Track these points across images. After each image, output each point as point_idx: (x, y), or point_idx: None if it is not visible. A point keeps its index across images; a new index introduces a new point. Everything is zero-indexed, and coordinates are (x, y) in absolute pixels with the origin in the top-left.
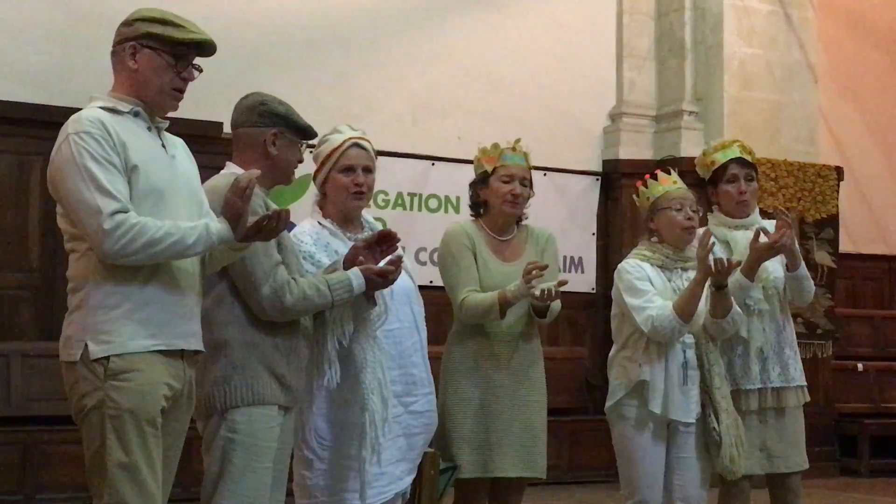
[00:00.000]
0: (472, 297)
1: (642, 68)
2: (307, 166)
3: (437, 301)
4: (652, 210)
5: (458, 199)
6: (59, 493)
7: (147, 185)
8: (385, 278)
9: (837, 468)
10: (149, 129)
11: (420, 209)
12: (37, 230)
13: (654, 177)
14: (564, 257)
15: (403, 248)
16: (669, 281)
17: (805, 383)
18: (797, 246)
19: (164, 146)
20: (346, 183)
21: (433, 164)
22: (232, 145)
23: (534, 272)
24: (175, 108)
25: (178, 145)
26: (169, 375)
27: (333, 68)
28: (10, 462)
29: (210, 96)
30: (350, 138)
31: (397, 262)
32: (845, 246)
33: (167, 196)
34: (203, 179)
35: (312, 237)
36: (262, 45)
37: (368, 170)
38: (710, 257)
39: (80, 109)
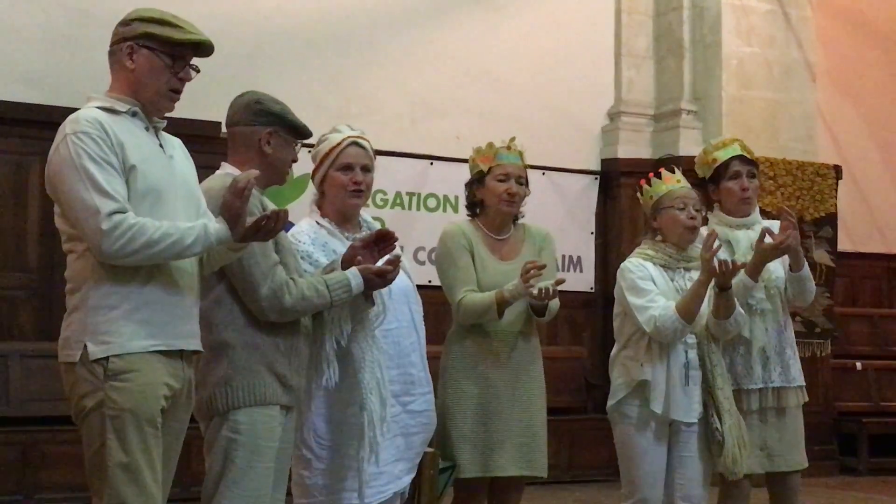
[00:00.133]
0: (470, 298)
1: (641, 67)
2: (305, 166)
3: (436, 300)
4: (655, 208)
5: (456, 198)
6: (58, 493)
7: (145, 186)
8: (383, 278)
9: (837, 467)
10: (146, 128)
11: (419, 209)
12: (35, 230)
13: (658, 175)
14: (563, 256)
15: (402, 248)
16: (672, 281)
17: (804, 383)
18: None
19: (161, 146)
20: (345, 181)
21: (432, 163)
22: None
23: (532, 271)
24: (171, 109)
25: (175, 145)
26: (168, 375)
27: (332, 68)
28: (9, 462)
29: (208, 96)
30: (349, 137)
31: (396, 262)
32: (844, 245)
33: (165, 196)
34: (201, 179)
35: (310, 237)
36: (260, 45)
37: (367, 169)
38: (715, 259)
39: (78, 109)
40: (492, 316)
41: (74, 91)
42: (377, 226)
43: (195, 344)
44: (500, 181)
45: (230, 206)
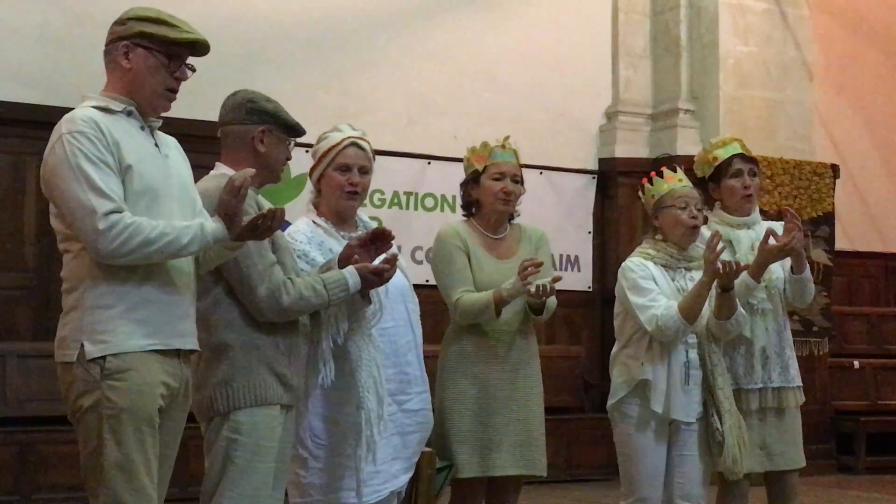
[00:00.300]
0: (467, 297)
1: (638, 66)
2: (302, 165)
3: (433, 300)
4: (656, 208)
5: (453, 198)
6: (55, 493)
7: (141, 185)
8: (380, 276)
9: (834, 465)
10: (142, 128)
11: (416, 208)
12: (33, 230)
13: (660, 174)
14: (561, 256)
15: (399, 248)
16: (673, 280)
17: (801, 384)
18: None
19: (157, 146)
20: (341, 182)
21: (429, 163)
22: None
23: (529, 269)
24: (168, 109)
25: (171, 145)
26: (165, 375)
27: (330, 68)
28: (6, 462)
29: (205, 96)
30: (349, 137)
31: (392, 260)
32: (841, 243)
33: (161, 196)
34: (197, 179)
35: (307, 236)
36: (258, 45)
37: (365, 170)
38: (718, 260)
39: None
40: (489, 315)
41: (72, 91)
42: (374, 225)
43: (192, 343)
44: (496, 180)
45: (226, 205)
